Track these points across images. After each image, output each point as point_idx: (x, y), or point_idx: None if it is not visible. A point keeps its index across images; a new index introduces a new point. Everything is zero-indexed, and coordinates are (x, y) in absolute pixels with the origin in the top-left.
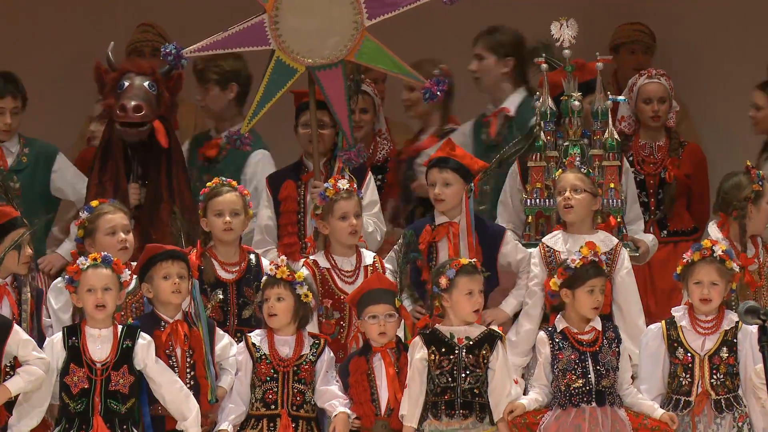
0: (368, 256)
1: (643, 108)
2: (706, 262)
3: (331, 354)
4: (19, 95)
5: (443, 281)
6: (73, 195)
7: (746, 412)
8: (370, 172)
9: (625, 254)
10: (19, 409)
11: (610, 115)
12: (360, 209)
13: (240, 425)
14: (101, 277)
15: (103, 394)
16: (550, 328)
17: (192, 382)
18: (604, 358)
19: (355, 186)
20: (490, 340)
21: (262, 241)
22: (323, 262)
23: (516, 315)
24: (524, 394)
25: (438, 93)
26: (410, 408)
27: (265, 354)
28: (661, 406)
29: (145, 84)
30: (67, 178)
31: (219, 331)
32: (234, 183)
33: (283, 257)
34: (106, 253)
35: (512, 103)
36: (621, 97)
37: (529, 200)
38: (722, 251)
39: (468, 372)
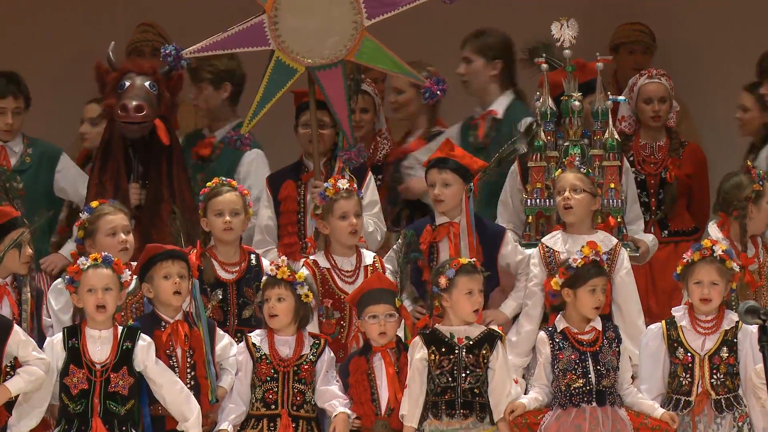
0: (368, 256)
1: (644, 108)
2: (706, 262)
3: (332, 354)
4: (21, 95)
5: (443, 281)
6: (76, 195)
7: (746, 412)
8: (370, 172)
9: (624, 254)
10: (18, 409)
11: (610, 115)
12: (360, 209)
13: (240, 425)
14: (102, 277)
15: (103, 396)
16: (550, 328)
17: (192, 383)
18: (605, 358)
19: (355, 186)
20: (490, 339)
21: (263, 242)
22: (323, 262)
23: (516, 316)
24: (524, 394)
25: (438, 92)
26: (410, 408)
27: (265, 354)
28: (661, 406)
29: (146, 84)
30: (70, 179)
31: (219, 331)
32: (234, 183)
33: (284, 257)
34: (106, 253)
35: (500, 105)
36: (621, 97)
37: (529, 200)
38: (722, 251)
39: (468, 372)
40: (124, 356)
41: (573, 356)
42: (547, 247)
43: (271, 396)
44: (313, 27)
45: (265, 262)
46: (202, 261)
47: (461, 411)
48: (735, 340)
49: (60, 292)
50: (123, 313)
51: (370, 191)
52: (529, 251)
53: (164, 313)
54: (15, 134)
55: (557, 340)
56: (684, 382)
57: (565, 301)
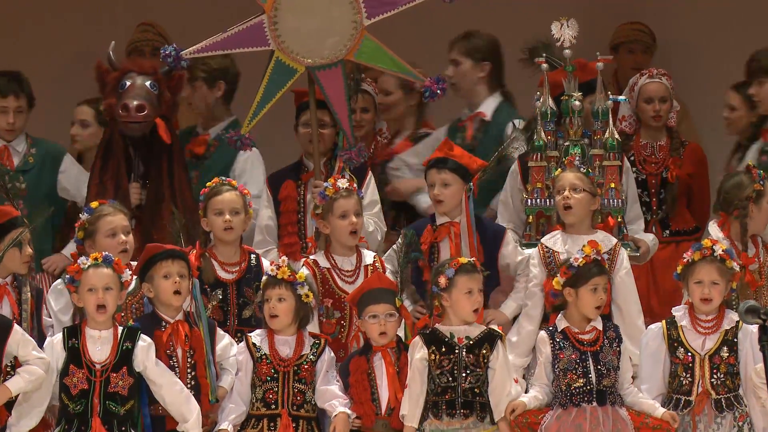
0: (368, 256)
1: (645, 108)
2: (707, 262)
3: (332, 354)
4: (24, 94)
5: (442, 280)
6: (79, 196)
7: (746, 412)
8: (370, 172)
9: (624, 254)
10: (18, 408)
11: (610, 115)
12: (360, 208)
13: (240, 425)
14: (102, 276)
15: (103, 396)
16: (551, 328)
17: (193, 383)
18: (605, 358)
19: (355, 185)
20: (490, 339)
21: (263, 242)
22: (323, 262)
23: (516, 316)
24: (525, 393)
25: (438, 92)
26: (411, 408)
27: (265, 354)
28: (661, 406)
29: (147, 84)
30: (74, 179)
31: (220, 331)
32: (234, 182)
33: (284, 257)
34: (107, 252)
35: (488, 107)
36: (621, 97)
37: (529, 200)
38: (722, 251)
39: (468, 371)
40: (124, 356)
41: (573, 356)
42: (546, 247)
43: (271, 396)
44: (313, 27)
45: (265, 263)
46: (201, 261)
47: (461, 411)
48: (735, 340)
49: (60, 293)
50: (123, 314)
51: (371, 191)
52: (529, 251)
53: (165, 313)
54: (18, 134)
55: (558, 340)
56: (684, 382)
57: (565, 302)
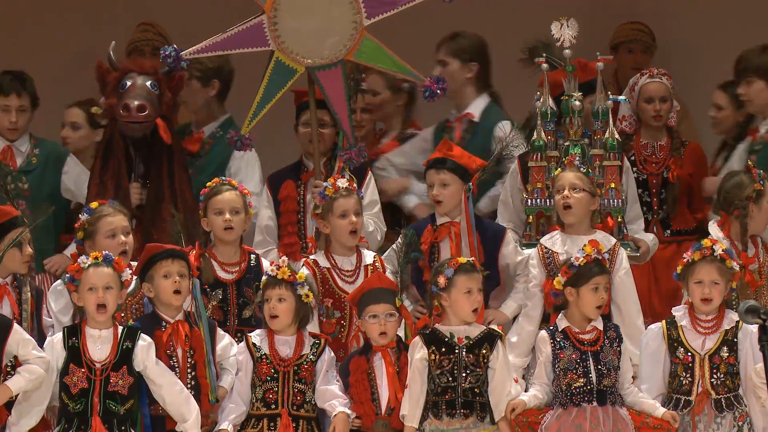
0: (368, 256)
1: (645, 107)
2: (707, 262)
3: (332, 354)
4: (26, 93)
5: (442, 280)
6: (82, 197)
7: (746, 412)
8: (370, 172)
9: (623, 254)
10: (18, 408)
11: (610, 115)
12: (360, 208)
13: (240, 425)
14: (102, 275)
15: (102, 395)
16: (551, 327)
17: (193, 382)
18: (606, 358)
19: (355, 185)
20: (489, 339)
21: (263, 242)
22: (323, 262)
23: (516, 317)
24: (525, 392)
25: (438, 92)
26: (411, 408)
27: (265, 354)
28: (661, 406)
29: (148, 84)
30: (77, 180)
31: (220, 331)
32: (234, 182)
33: (284, 258)
34: (107, 252)
35: (476, 108)
36: (621, 97)
37: (529, 200)
38: (722, 250)
39: (468, 371)
40: (124, 356)
41: (574, 356)
42: (545, 248)
43: (271, 396)
44: (313, 27)
45: (265, 263)
46: (200, 261)
47: (462, 411)
48: (735, 340)
49: (60, 293)
50: (123, 314)
51: (370, 191)
52: (528, 251)
53: (165, 313)
54: (21, 133)
55: (558, 339)
56: (684, 382)
57: (566, 301)
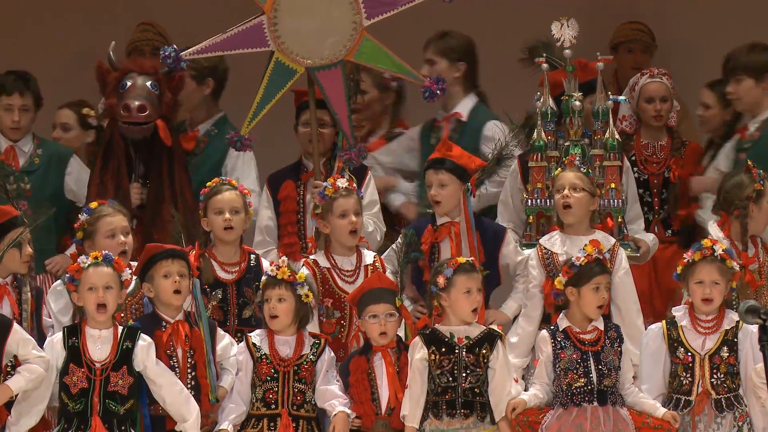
0: (368, 256)
1: (645, 107)
2: (707, 262)
3: (332, 353)
4: (30, 93)
5: (441, 280)
6: (84, 198)
7: (746, 412)
8: (370, 172)
9: (622, 254)
10: (18, 407)
11: (610, 115)
12: (360, 207)
13: (240, 425)
14: (102, 275)
15: (102, 395)
16: (552, 327)
17: (193, 383)
18: (606, 358)
19: (355, 185)
20: (489, 339)
21: (263, 242)
22: (323, 262)
23: (517, 317)
24: (524, 392)
25: (438, 92)
26: (412, 408)
27: (265, 354)
28: (661, 406)
29: (148, 84)
30: (80, 181)
31: (220, 331)
32: (234, 182)
33: (284, 258)
34: (107, 251)
35: (464, 107)
36: (622, 97)
37: (530, 200)
38: (723, 250)
39: (468, 371)
40: (123, 356)
41: (575, 356)
42: (545, 248)
43: (271, 396)
44: (313, 27)
45: (265, 263)
46: (200, 261)
47: (462, 411)
48: (735, 340)
49: (59, 294)
50: (123, 314)
51: (370, 191)
52: (528, 251)
53: (165, 313)
54: (23, 133)
55: (559, 339)
56: (684, 382)
57: (567, 302)
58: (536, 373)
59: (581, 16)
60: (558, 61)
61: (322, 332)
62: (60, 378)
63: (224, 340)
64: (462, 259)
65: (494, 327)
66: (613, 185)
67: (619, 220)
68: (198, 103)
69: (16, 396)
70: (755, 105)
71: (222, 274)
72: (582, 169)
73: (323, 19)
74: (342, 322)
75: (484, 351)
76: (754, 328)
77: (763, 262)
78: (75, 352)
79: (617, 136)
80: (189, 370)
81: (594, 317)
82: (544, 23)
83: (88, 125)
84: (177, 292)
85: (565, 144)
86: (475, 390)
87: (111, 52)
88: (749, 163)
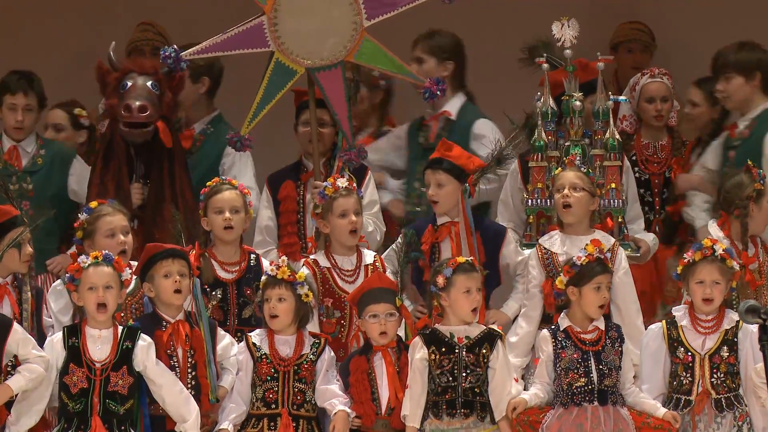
0: (368, 256)
1: (646, 107)
2: (708, 262)
3: (332, 353)
4: (33, 93)
5: (440, 280)
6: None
7: (746, 412)
8: (369, 172)
9: (622, 254)
10: (17, 407)
11: (611, 115)
12: (360, 207)
13: (240, 425)
14: (102, 275)
15: (102, 395)
16: (553, 327)
17: (193, 382)
18: (607, 358)
19: (355, 185)
20: (489, 339)
21: (263, 242)
22: (323, 262)
23: (517, 317)
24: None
25: (438, 92)
26: (412, 408)
27: (265, 353)
28: (662, 406)
29: (148, 84)
30: (83, 182)
31: (220, 331)
32: (234, 182)
33: (284, 257)
34: (107, 251)
35: (453, 106)
36: (622, 97)
37: (530, 200)
38: (723, 250)
39: (468, 371)
40: (123, 356)
41: (575, 355)
42: (544, 248)
43: (271, 395)
44: (313, 28)
45: (265, 263)
46: (200, 261)
47: (462, 410)
48: (735, 340)
49: (59, 293)
50: (123, 314)
51: (370, 191)
52: (528, 251)
53: (165, 312)
54: (27, 133)
55: (560, 339)
56: (684, 382)
57: (568, 301)
58: (537, 372)
59: (581, 16)
60: (558, 61)
61: (322, 332)
62: (60, 378)
63: (224, 339)
64: (461, 259)
65: (494, 327)
66: (613, 185)
67: (620, 220)
68: (193, 102)
69: (16, 396)
70: (745, 103)
71: (222, 274)
72: (582, 168)
73: (323, 19)
74: (342, 321)
75: (484, 351)
76: (754, 328)
77: (763, 262)
78: (75, 352)
79: (617, 136)
80: (189, 370)
81: (595, 317)
82: (545, 23)
83: (80, 125)
84: (177, 291)
85: (566, 144)
86: (475, 390)
87: (111, 52)
88: (750, 162)
